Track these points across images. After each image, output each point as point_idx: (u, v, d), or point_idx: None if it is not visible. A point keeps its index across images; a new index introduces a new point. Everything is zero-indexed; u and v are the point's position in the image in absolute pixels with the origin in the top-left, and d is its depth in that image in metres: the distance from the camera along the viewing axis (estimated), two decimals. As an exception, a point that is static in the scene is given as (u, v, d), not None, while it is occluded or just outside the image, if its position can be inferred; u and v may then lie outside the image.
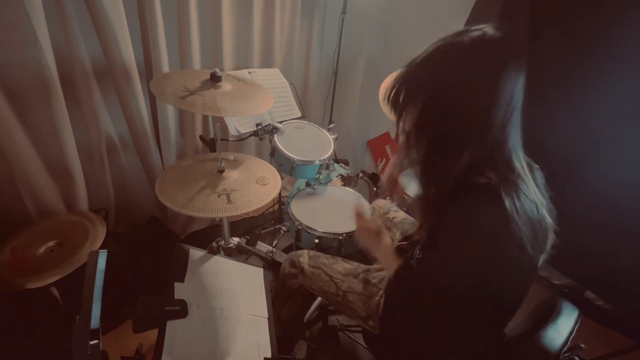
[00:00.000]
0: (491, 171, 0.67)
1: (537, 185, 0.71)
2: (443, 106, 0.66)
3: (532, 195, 0.67)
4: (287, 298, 1.16)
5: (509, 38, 0.63)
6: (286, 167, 1.50)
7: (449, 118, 0.66)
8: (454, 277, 0.67)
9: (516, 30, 0.66)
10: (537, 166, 0.77)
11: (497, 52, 0.63)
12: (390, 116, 0.77)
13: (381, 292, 0.98)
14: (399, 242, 1.01)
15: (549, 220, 0.70)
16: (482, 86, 0.63)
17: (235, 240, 1.62)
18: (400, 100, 0.71)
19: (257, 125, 1.55)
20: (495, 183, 0.65)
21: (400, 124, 0.73)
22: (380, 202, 1.43)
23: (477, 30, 0.64)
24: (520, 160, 0.70)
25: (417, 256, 0.83)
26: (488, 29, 0.64)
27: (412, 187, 1.41)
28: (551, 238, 0.72)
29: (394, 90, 0.71)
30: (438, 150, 0.70)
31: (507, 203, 0.62)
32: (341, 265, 1.06)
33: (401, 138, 0.75)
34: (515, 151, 0.69)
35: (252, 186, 1.21)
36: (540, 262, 0.74)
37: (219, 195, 1.13)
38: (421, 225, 0.81)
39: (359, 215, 0.98)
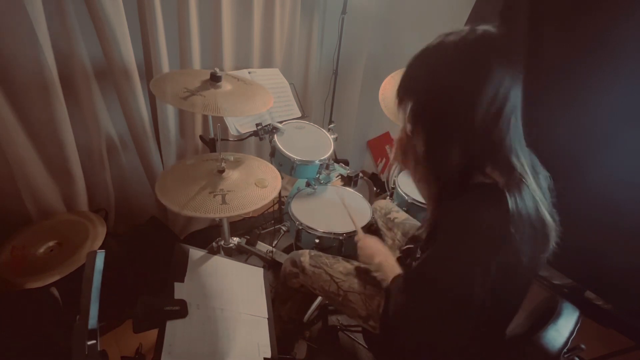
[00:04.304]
0: (495, 171, 0.68)
1: (539, 187, 0.71)
2: (429, 102, 0.70)
3: (534, 194, 0.67)
4: (288, 297, 1.16)
5: (491, 37, 0.65)
6: (286, 167, 1.50)
7: (435, 113, 0.69)
8: (453, 277, 0.67)
9: (509, 29, 0.66)
10: (546, 174, 0.77)
11: (480, 52, 0.64)
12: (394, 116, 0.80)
13: (382, 292, 0.98)
14: (404, 246, 1.01)
15: (549, 220, 0.69)
16: (463, 84, 0.65)
17: (235, 240, 1.62)
18: (398, 95, 0.76)
19: (257, 125, 1.55)
20: (502, 185, 0.65)
21: (402, 117, 0.77)
22: (382, 203, 1.43)
23: (462, 31, 0.66)
24: (520, 160, 0.70)
25: (418, 256, 0.83)
26: (474, 29, 0.66)
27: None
28: (553, 239, 0.72)
29: (397, 87, 0.76)
30: (432, 143, 0.72)
31: (511, 205, 0.62)
32: (342, 265, 1.06)
33: (405, 131, 0.78)
34: (514, 151, 0.69)
35: (249, 188, 1.20)
36: (541, 263, 0.74)
37: (214, 196, 1.13)
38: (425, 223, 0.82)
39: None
